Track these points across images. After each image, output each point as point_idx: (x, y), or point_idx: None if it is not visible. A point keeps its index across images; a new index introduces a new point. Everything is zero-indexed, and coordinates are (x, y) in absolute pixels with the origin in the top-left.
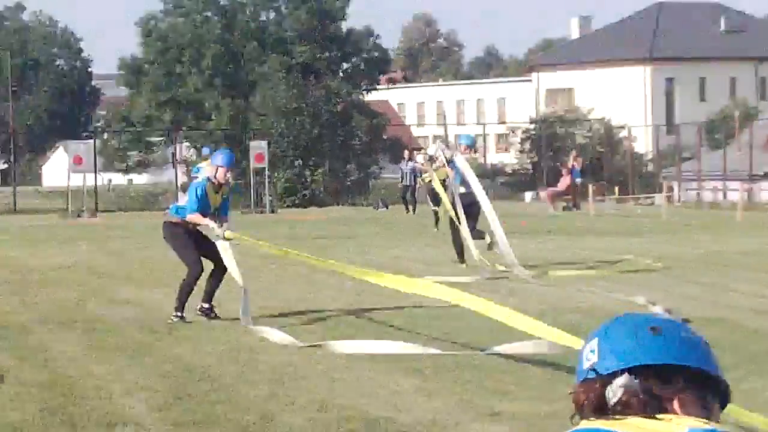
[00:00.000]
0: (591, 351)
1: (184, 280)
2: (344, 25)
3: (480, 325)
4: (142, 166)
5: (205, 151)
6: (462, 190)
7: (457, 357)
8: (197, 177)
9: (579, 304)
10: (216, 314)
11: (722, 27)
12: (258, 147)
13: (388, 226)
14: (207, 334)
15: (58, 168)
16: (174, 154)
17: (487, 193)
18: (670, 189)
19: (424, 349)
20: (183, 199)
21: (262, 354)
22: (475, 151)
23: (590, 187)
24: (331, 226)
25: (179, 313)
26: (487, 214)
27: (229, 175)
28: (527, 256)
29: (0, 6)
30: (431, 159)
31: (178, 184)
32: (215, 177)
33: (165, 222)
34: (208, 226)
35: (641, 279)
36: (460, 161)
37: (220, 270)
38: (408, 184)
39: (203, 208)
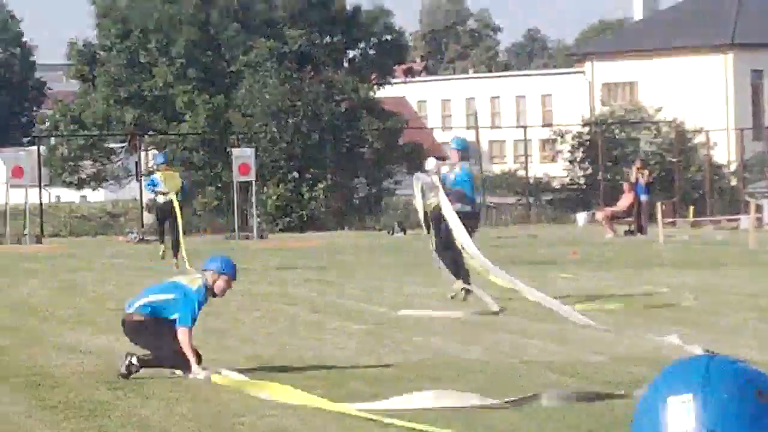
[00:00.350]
0: (685, 413)
1: (165, 354)
2: (349, 3)
3: (533, 380)
4: (98, 180)
5: (159, 159)
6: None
7: (496, 415)
8: (156, 191)
9: (647, 354)
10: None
11: None
12: (242, 155)
13: (405, 255)
14: (180, 391)
15: None
16: (138, 164)
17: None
18: (759, 209)
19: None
20: (157, 297)
21: (249, 415)
22: (468, 159)
23: (658, 207)
24: (334, 256)
25: (135, 367)
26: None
27: (228, 288)
28: (578, 291)
29: None
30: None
31: (143, 203)
32: (212, 286)
33: (130, 321)
34: (190, 361)
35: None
36: (434, 181)
37: None
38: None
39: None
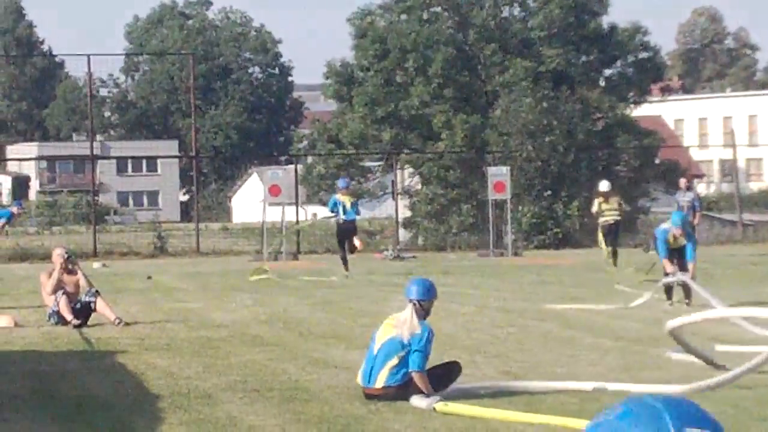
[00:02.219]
0: None
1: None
2: (605, 22)
3: None
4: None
5: (342, 183)
6: None
7: None
8: (337, 211)
9: None
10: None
11: None
12: (498, 174)
13: (659, 271)
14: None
15: (251, 200)
16: (394, 183)
17: None
18: None
19: None
20: (392, 362)
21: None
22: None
23: None
24: (589, 273)
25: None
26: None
27: None
28: None
29: (181, 1)
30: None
31: (399, 219)
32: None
33: (375, 395)
34: (429, 396)
35: None
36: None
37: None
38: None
39: None
